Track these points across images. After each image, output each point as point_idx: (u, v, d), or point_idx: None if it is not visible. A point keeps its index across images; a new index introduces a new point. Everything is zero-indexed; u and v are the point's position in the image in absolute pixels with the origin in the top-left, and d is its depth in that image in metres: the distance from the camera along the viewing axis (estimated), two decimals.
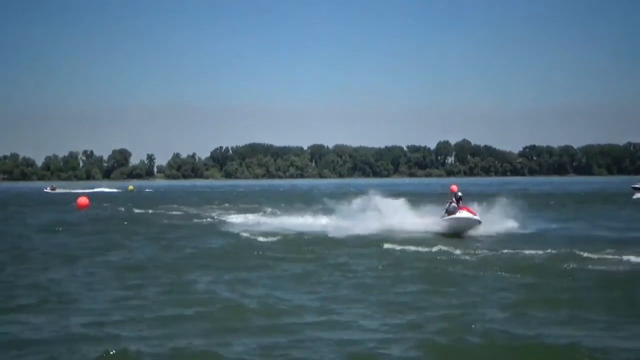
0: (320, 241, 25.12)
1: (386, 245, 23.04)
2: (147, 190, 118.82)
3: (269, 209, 46.17)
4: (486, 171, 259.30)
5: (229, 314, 12.68)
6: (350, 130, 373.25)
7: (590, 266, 17.89)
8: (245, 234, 28.00)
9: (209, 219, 39.54)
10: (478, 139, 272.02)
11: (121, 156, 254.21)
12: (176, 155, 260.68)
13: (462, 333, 10.97)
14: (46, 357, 10.21)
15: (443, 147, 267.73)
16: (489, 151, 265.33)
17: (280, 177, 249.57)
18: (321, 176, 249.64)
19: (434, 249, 21.99)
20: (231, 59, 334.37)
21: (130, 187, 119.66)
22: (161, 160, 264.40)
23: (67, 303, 14.10)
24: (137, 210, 50.33)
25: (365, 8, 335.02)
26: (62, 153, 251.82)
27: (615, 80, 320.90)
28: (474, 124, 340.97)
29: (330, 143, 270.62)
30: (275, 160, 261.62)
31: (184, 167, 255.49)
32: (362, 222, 28.87)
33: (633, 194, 67.84)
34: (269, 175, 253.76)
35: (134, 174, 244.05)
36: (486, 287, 15.18)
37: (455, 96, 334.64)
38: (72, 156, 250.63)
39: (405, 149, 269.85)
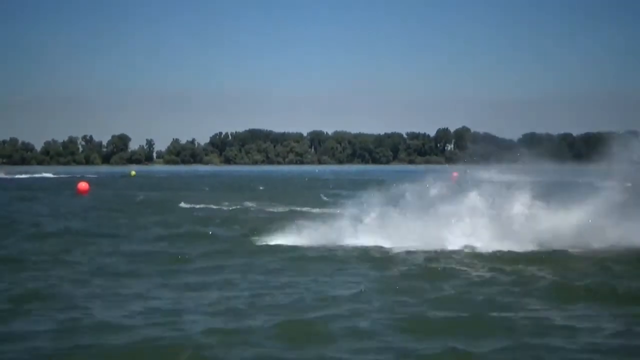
0: None
1: None
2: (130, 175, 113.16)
3: None
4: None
5: None
6: (350, 117, 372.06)
7: None
8: None
9: None
10: (478, 126, 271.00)
11: (120, 141, 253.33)
12: (175, 141, 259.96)
13: None
14: None
15: (443, 134, 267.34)
16: (488, 138, 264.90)
17: (279, 163, 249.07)
18: (320, 162, 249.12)
19: None
20: (231, 44, 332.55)
21: (133, 173, 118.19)
22: (160, 145, 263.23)
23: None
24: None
25: None
26: (61, 138, 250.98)
27: (614, 67, 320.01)
28: (474, 111, 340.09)
29: (329, 129, 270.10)
30: (274, 146, 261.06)
31: (183, 153, 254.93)
32: None
33: None
34: (268, 161, 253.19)
35: (133, 159, 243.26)
36: None
37: (455, 83, 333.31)
38: (72, 141, 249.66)
39: (404, 135, 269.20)
